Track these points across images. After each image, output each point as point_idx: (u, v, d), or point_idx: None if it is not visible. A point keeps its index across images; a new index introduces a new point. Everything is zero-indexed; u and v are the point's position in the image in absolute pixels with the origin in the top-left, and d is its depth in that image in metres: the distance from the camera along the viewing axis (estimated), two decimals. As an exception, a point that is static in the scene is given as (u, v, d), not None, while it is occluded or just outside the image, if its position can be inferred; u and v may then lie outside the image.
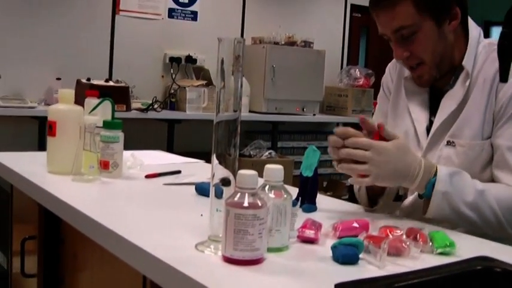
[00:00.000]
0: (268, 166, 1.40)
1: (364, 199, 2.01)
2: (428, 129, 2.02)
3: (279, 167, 1.40)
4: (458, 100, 1.92)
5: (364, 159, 1.70)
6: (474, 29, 1.98)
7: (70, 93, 2.24)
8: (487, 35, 8.69)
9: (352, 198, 2.20)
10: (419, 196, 1.85)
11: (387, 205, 2.00)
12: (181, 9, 6.77)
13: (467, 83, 1.91)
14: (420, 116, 2.04)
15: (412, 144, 2.01)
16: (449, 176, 1.75)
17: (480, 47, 1.96)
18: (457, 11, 1.90)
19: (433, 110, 2.03)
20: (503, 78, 1.60)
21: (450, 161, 1.92)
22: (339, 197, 4.94)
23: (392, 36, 1.92)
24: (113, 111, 2.22)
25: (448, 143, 1.94)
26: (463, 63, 1.93)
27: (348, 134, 1.76)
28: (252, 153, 6.21)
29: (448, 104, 1.96)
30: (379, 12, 1.91)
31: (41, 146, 5.26)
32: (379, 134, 1.76)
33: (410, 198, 2.03)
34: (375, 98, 7.21)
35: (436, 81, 1.99)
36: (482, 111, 1.89)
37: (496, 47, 1.74)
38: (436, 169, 1.76)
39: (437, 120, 1.97)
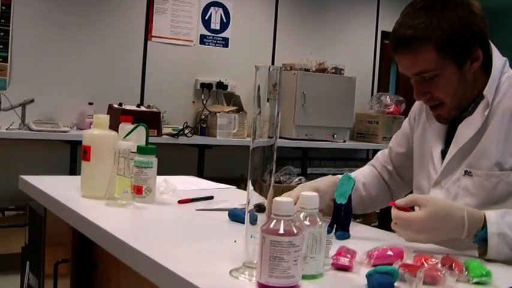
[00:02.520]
0: (303, 193, 1.41)
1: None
2: (443, 153, 2.01)
3: (315, 194, 1.40)
4: (476, 128, 1.90)
5: (396, 228, 1.73)
6: (498, 60, 1.96)
7: (105, 118, 2.26)
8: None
9: (384, 225, 2.20)
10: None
11: None
12: (213, 36, 6.82)
13: (486, 113, 1.89)
14: (437, 139, 2.05)
15: (429, 166, 2.04)
16: (500, 216, 1.70)
17: (504, 77, 1.94)
18: (478, 53, 1.89)
19: (449, 134, 2.02)
20: None
21: (468, 192, 1.90)
22: (368, 223, 4.91)
23: (412, 78, 1.92)
24: (147, 136, 2.24)
25: (466, 173, 1.92)
26: (484, 92, 1.91)
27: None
28: (282, 179, 6.20)
29: (465, 131, 1.94)
30: (401, 55, 1.90)
31: (73, 170, 5.31)
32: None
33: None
34: (406, 125, 7.23)
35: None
36: (502, 142, 1.86)
37: None
38: (484, 215, 1.71)
39: (454, 147, 1.96)
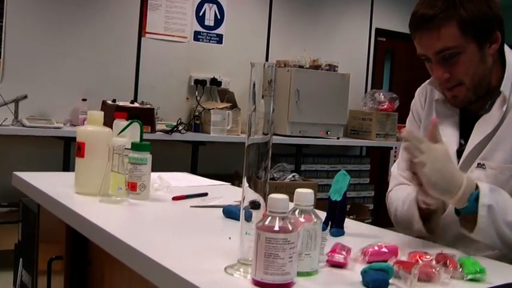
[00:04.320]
0: (299, 190, 1.40)
1: (421, 228, 1.95)
2: (458, 152, 2.01)
3: (310, 191, 1.40)
4: (494, 124, 1.91)
5: (418, 151, 1.70)
6: (510, 54, 1.98)
7: (99, 114, 2.25)
8: None
9: (377, 222, 2.20)
10: (456, 212, 1.80)
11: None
12: (207, 32, 6.81)
13: (504, 108, 1.90)
14: (451, 138, 2.03)
15: None
16: (491, 190, 1.73)
17: None
18: (498, 35, 1.91)
19: (463, 133, 2.02)
20: None
21: None
22: (362, 220, 4.93)
23: (434, 57, 1.91)
24: (141, 133, 2.24)
25: (479, 165, 1.93)
26: (502, 88, 1.92)
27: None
28: (275, 176, 6.20)
29: (483, 128, 1.94)
30: (423, 33, 1.90)
31: (66, 166, 5.30)
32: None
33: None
34: (399, 122, 7.25)
35: (469, 104, 1.98)
36: None
37: None
38: (477, 184, 1.74)
39: (471, 143, 1.96)
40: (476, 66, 1.90)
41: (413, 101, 2.23)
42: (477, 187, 1.73)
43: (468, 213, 1.74)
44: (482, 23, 1.86)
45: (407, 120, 2.26)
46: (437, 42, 1.87)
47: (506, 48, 1.98)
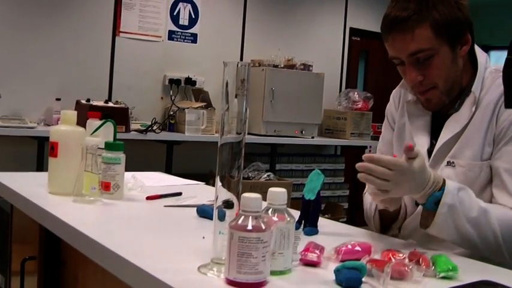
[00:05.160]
0: (272, 189, 1.40)
1: (378, 225, 2.04)
2: (429, 152, 2.03)
3: (283, 190, 1.40)
4: (463, 123, 1.94)
5: (386, 177, 1.67)
6: (481, 55, 2.01)
7: (72, 114, 2.24)
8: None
9: (352, 221, 2.21)
10: (417, 204, 1.84)
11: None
12: (181, 32, 6.80)
13: (474, 108, 1.93)
14: (421, 139, 2.05)
15: None
16: (457, 189, 1.76)
17: (487, 72, 1.98)
18: (468, 37, 1.93)
19: (434, 133, 2.04)
20: (508, 105, 1.61)
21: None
22: (337, 219, 4.94)
23: (407, 60, 1.92)
24: (115, 132, 2.23)
25: (448, 163, 1.96)
26: (473, 88, 1.94)
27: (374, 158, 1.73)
28: (250, 175, 6.20)
29: (452, 126, 1.97)
30: (396, 35, 1.90)
31: (40, 166, 5.27)
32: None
33: (411, 218, 2.04)
34: (374, 121, 7.29)
35: (442, 107, 2.00)
36: (483, 133, 1.91)
37: (501, 73, 1.76)
38: (444, 182, 1.75)
39: (439, 142, 1.98)
40: (449, 69, 1.92)
41: (388, 104, 2.25)
42: (444, 184, 1.75)
43: (431, 209, 1.76)
44: (455, 25, 1.88)
45: (383, 125, 2.28)
46: (411, 44, 1.88)
47: (477, 48, 2.01)
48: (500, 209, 1.83)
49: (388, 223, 2.04)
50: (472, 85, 1.95)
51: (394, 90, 2.23)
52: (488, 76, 1.97)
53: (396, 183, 1.68)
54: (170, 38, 6.75)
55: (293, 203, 3.58)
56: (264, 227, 1.25)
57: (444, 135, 1.98)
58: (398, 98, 2.18)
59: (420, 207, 1.91)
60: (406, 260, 1.46)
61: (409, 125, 2.10)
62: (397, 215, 2.01)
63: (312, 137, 7.08)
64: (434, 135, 2.04)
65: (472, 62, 2.00)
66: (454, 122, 1.97)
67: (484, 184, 1.91)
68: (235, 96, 1.35)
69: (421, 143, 2.05)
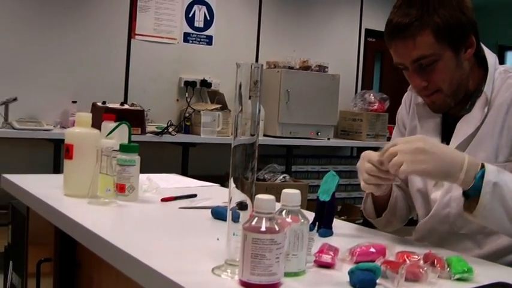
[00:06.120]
0: (285, 191, 1.40)
1: (370, 208, 2.08)
2: None
3: (297, 191, 1.40)
4: (476, 125, 1.92)
5: (394, 151, 1.69)
6: (490, 56, 1.98)
7: (87, 116, 2.25)
8: (501, 59, 8.71)
9: (367, 223, 2.21)
10: (464, 194, 1.75)
11: (400, 229, 2.01)
12: (197, 34, 6.81)
13: (486, 109, 1.91)
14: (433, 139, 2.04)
15: None
16: (497, 170, 1.70)
17: (496, 73, 1.95)
18: (472, 39, 1.90)
19: (445, 135, 2.03)
20: None
21: None
22: (353, 221, 4.92)
23: (410, 66, 1.90)
24: (130, 134, 2.23)
25: None
26: (484, 89, 1.92)
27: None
28: (266, 177, 6.20)
29: (464, 128, 1.95)
30: (398, 42, 1.89)
31: (56, 169, 5.29)
32: None
33: (424, 221, 2.03)
34: (390, 122, 7.26)
35: (448, 109, 1.99)
36: (497, 135, 1.88)
37: (510, 73, 1.74)
38: (482, 165, 1.70)
39: (452, 144, 1.95)
40: (453, 72, 1.90)
41: (399, 109, 2.24)
42: (483, 166, 1.69)
43: (475, 194, 1.69)
44: (457, 29, 1.86)
45: (394, 130, 2.28)
46: (413, 51, 1.86)
47: (485, 49, 1.99)
48: None
49: (379, 212, 2.08)
50: (483, 86, 1.94)
51: (405, 94, 2.22)
52: (498, 77, 1.95)
53: (406, 153, 1.68)
54: (185, 40, 6.76)
55: (309, 204, 3.58)
56: (277, 229, 1.25)
57: (457, 138, 1.96)
58: (409, 101, 2.17)
59: (435, 210, 1.91)
60: (421, 262, 1.45)
61: (419, 128, 2.09)
62: (387, 203, 2.05)
63: (328, 139, 7.07)
64: (446, 137, 2.02)
65: (481, 63, 1.97)
66: (466, 123, 1.95)
67: None
68: (249, 98, 1.35)
69: None
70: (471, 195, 1.71)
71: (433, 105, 2.00)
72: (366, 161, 1.80)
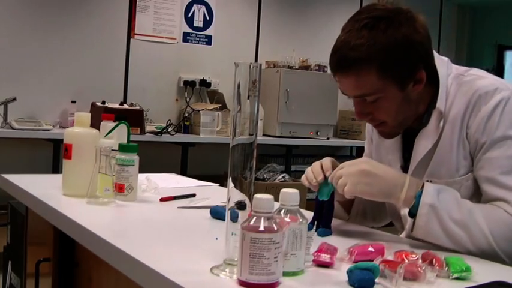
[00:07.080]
0: (284, 190, 1.40)
1: (337, 209, 2.06)
2: (403, 169, 2.00)
3: (295, 191, 1.40)
4: (433, 140, 1.89)
5: (339, 174, 1.78)
6: (441, 65, 1.91)
7: (86, 116, 2.25)
8: (500, 59, 8.68)
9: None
10: (409, 214, 1.78)
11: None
12: (196, 34, 6.81)
13: (441, 123, 1.87)
14: (394, 155, 2.04)
15: None
16: (437, 191, 1.71)
17: (449, 79, 1.90)
18: (422, 75, 1.83)
19: (406, 149, 2.01)
20: None
21: None
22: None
23: (353, 99, 1.88)
24: (129, 134, 2.23)
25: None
26: (437, 105, 1.87)
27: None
28: (265, 176, 6.19)
29: (423, 143, 1.92)
30: (341, 77, 1.85)
31: (55, 169, 5.29)
32: None
33: (403, 235, 2.03)
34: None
35: (398, 134, 1.98)
36: (455, 149, 1.85)
37: (465, 78, 1.81)
38: (423, 184, 1.74)
39: (414, 161, 1.94)
40: (398, 107, 1.84)
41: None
42: (423, 186, 1.74)
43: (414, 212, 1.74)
44: (404, 66, 1.79)
45: (365, 141, 2.29)
46: (356, 88, 1.83)
47: (437, 59, 1.91)
48: (487, 207, 1.75)
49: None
50: (436, 99, 1.88)
51: None
52: (452, 82, 1.89)
53: (349, 175, 1.77)
54: (185, 40, 6.76)
55: (308, 204, 3.57)
56: (276, 228, 1.25)
57: (417, 154, 1.93)
58: None
59: (408, 226, 1.92)
60: (419, 261, 1.45)
61: (382, 144, 2.10)
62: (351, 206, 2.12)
63: (327, 138, 7.07)
64: (408, 151, 2.00)
65: (432, 80, 1.89)
66: (425, 139, 1.91)
67: (469, 198, 1.81)
68: (247, 98, 1.35)
69: (394, 159, 2.03)
70: (414, 214, 1.74)
71: (381, 133, 1.99)
72: (322, 164, 1.93)
